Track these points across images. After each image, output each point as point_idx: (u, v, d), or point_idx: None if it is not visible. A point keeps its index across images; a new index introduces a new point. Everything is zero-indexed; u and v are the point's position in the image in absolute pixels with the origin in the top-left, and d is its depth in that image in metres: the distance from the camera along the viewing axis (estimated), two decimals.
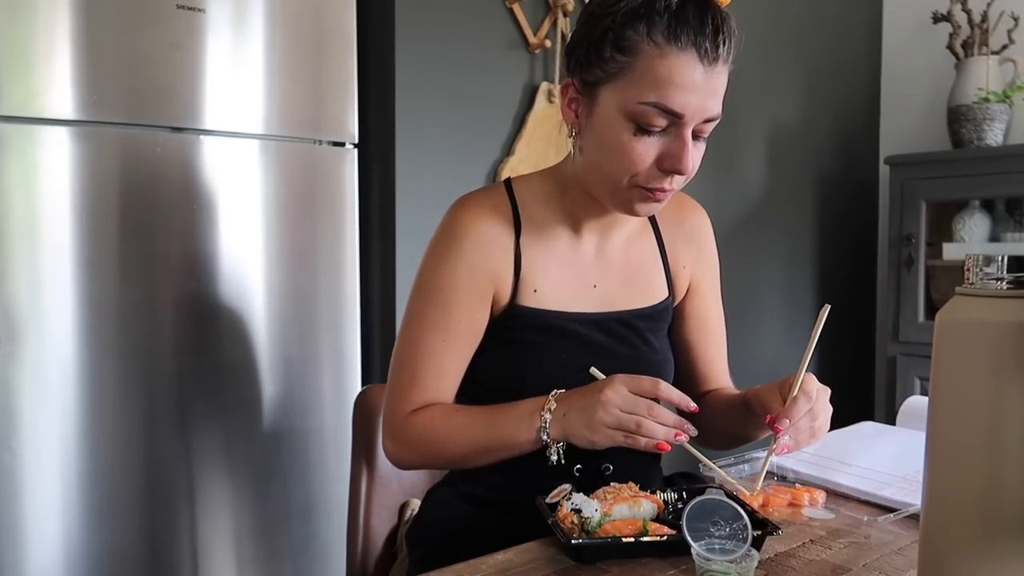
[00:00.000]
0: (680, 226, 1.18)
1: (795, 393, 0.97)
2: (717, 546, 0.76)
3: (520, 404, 1.01)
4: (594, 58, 0.96)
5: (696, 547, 0.75)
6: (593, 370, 1.00)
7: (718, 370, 1.22)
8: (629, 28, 0.93)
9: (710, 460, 1.03)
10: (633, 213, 1.03)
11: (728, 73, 0.97)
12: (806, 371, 1.00)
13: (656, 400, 0.96)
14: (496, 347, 1.08)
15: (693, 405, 0.96)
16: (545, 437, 0.98)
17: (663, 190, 0.98)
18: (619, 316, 1.10)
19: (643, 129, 0.94)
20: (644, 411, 0.93)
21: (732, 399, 1.14)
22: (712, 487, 0.98)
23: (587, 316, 1.08)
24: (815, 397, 0.98)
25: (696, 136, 0.97)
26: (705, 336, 1.21)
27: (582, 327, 1.08)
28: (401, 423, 1.05)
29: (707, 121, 0.96)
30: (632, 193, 0.99)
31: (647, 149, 0.95)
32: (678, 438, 0.94)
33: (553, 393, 0.99)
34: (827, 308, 0.99)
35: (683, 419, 0.95)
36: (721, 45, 0.93)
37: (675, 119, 0.94)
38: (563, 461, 0.99)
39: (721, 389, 1.21)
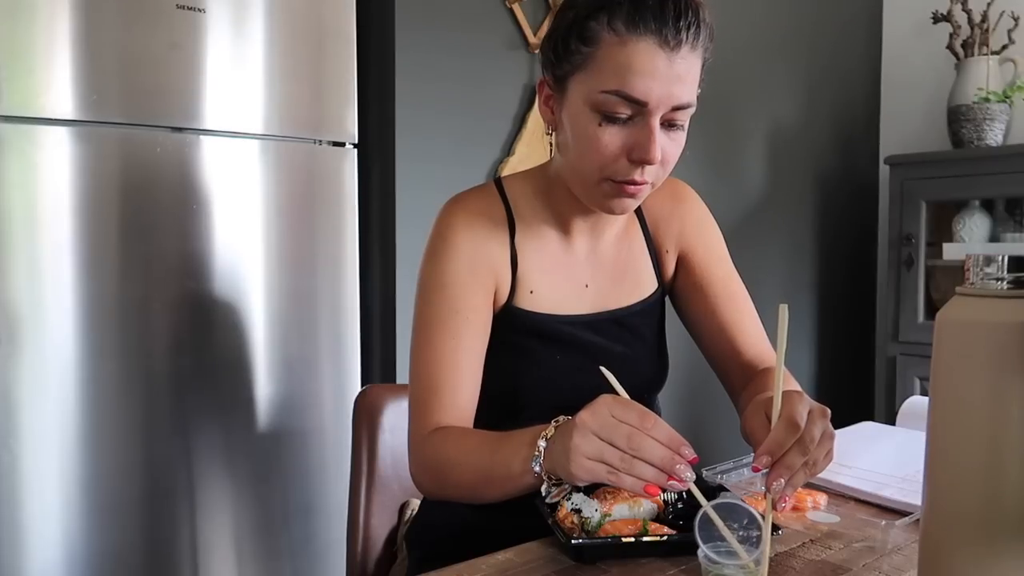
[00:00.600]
0: (660, 208, 1.15)
1: (776, 419, 0.81)
2: (723, 549, 0.75)
3: (526, 431, 0.91)
4: (561, 51, 0.96)
5: (704, 549, 0.75)
6: (603, 370, 0.86)
7: (747, 338, 1.12)
8: (591, 19, 0.92)
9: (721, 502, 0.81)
10: (609, 211, 1.01)
11: (701, 60, 0.94)
12: (796, 389, 0.85)
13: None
14: (491, 351, 1.06)
15: (690, 452, 0.79)
16: (537, 469, 0.86)
17: (635, 183, 0.95)
18: (612, 315, 1.10)
19: (609, 118, 0.93)
20: (623, 441, 0.79)
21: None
22: (726, 489, 0.97)
23: (580, 318, 1.08)
24: (804, 423, 0.80)
25: (670, 126, 0.95)
26: (711, 302, 1.13)
27: (576, 330, 1.07)
28: (420, 443, 1.01)
29: (677, 109, 0.93)
30: (605, 188, 0.97)
31: (613, 139, 0.93)
32: (670, 483, 0.78)
33: (556, 419, 0.88)
34: (785, 308, 0.79)
35: (677, 456, 0.79)
36: (684, 30, 0.90)
37: (639, 107, 0.92)
38: (551, 499, 0.88)
39: (763, 375, 1.08)
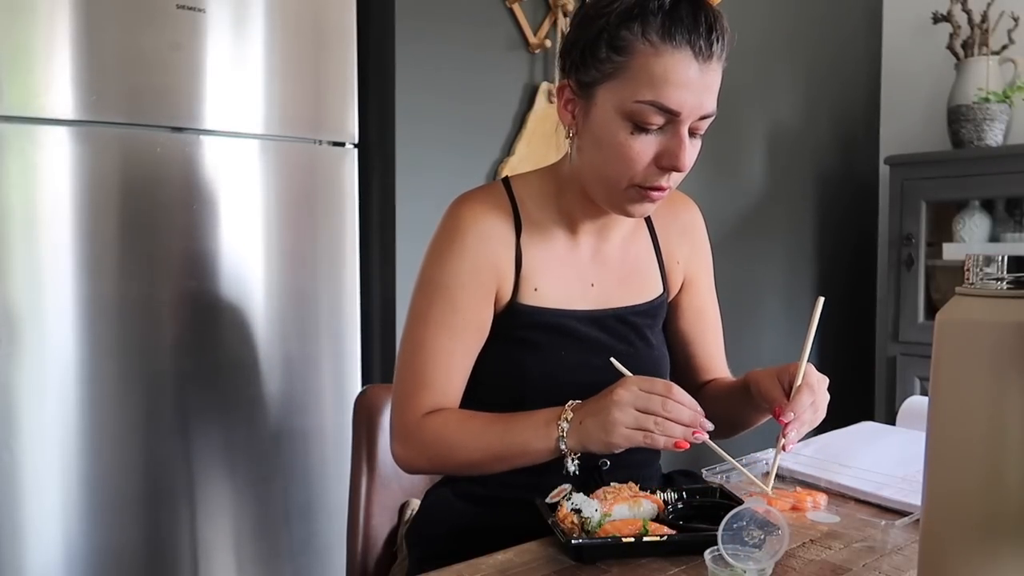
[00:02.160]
0: (673, 222, 1.19)
1: (798, 384, 0.99)
2: (730, 551, 0.75)
3: (536, 413, 1.00)
4: (589, 59, 0.97)
5: (708, 553, 0.75)
6: (613, 361, 0.99)
7: (716, 361, 1.24)
8: (624, 28, 0.94)
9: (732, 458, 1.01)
10: (628, 214, 1.04)
11: (722, 70, 0.98)
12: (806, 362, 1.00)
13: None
14: (495, 345, 1.08)
15: (707, 423, 0.94)
16: (563, 447, 0.97)
17: (660, 188, 0.99)
18: (616, 313, 1.11)
19: (640, 128, 0.96)
20: (659, 407, 0.92)
21: (731, 385, 1.16)
22: (726, 490, 0.98)
23: (585, 314, 1.09)
24: (816, 389, 0.99)
25: (692, 133, 0.98)
26: (702, 328, 1.22)
27: (581, 325, 1.08)
28: (412, 427, 1.05)
29: (703, 118, 0.97)
30: (629, 194, 1.00)
31: (645, 148, 0.96)
32: (696, 436, 0.93)
33: (569, 404, 0.98)
34: (822, 300, 1.00)
35: (699, 415, 0.94)
36: (715, 43, 0.94)
37: (672, 117, 0.95)
38: (578, 472, 0.98)
39: (720, 378, 1.22)
